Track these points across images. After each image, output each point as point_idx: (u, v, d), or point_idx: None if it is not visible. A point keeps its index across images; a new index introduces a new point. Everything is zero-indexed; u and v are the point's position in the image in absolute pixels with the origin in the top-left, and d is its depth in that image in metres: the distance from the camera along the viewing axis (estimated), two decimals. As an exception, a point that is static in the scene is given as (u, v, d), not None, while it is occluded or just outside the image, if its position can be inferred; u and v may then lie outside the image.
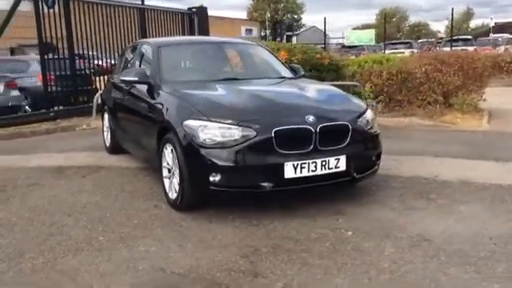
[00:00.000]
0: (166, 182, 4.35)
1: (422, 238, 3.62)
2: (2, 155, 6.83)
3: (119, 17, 11.46)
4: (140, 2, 12.50)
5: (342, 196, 4.53)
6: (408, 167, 5.64)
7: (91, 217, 4.16)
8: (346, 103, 4.51)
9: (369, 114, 4.47)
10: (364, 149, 4.28)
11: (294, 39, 53.54)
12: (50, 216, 4.20)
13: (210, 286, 2.96)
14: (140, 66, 5.48)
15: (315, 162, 3.89)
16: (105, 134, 6.71)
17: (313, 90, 4.65)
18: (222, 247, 3.51)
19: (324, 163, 3.93)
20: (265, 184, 3.83)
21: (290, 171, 3.82)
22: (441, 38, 28.70)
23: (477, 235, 3.66)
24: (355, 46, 22.27)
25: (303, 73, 5.73)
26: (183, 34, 13.79)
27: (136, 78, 4.92)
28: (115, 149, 6.32)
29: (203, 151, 3.83)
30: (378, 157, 4.50)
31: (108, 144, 6.59)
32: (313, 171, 3.90)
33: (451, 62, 10.26)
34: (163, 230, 3.83)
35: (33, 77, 10.73)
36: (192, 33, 13.88)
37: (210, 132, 3.84)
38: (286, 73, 5.43)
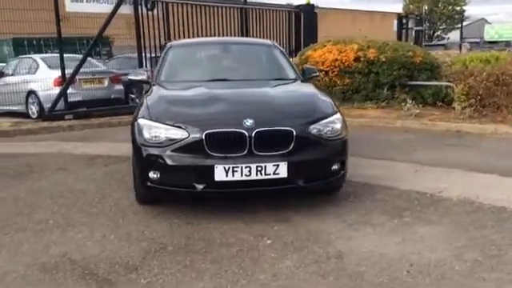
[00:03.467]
0: (139, 176, 4.64)
1: (336, 255, 3.41)
2: (70, 141, 7.81)
3: (218, 17, 12.04)
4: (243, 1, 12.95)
5: (304, 203, 4.39)
6: (419, 179, 5.19)
7: (67, 202, 4.64)
8: (305, 108, 4.29)
9: (333, 120, 4.24)
10: (316, 156, 4.07)
11: (454, 34, 49.84)
12: (37, 198, 4.79)
13: (84, 274, 3.19)
14: (160, 66, 5.76)
15: (249, 167, 3.84)
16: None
17: (283, 93, 4.55)
18: (137, 242, 3.70)
19: (260, 168, 3.86)
20: (198, 185, 3.91)
21: (220, 174, 3.83)
22: None
23: (400, 260, 3.32)
24: (497, 42, 20.13)
25: (315, 74, 5.56)
26: (289, 33, 13.99)
27: (138, 78, 5.31)
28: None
29: (144, 149, 4.04)
30: (342, 165, 4.24)
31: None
32: (247, 176, 3.85)
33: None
34: (106, 221, 4.14)
35: (141, 72, 11.83)
36: (298, 31, 13.99)
37: (152, 131, 4.03)
38: (291, 75, 5.31)
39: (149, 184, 4.05)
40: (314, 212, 4.23)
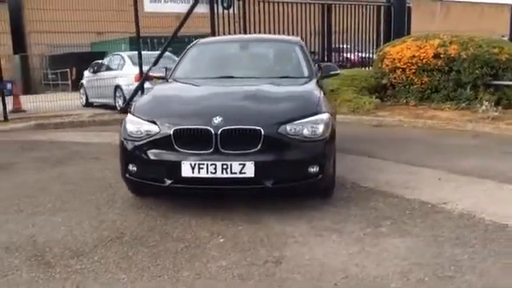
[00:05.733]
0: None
1: (276, 260, 3.30)
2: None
3: (298, 14, 11.96)
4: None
5: (285, 206, 4.28)
6: (435, 189, 4.80)
7: (75, 188, 5.00)
8: (284, 107, 4.13)
9: (315, 120, 4.04)
10: (287, 157, 3.94)
11: None
12: (52, 183, 5.21)
13: (33, 255, 3.43)
14: (177, 63, 5.89)
15: (214, 165, 3.84)
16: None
17: (270, 92, 4.41)
18: (102, 230, 3.89)
19: (225, 167, 3.84)
20: (167, 179, 4.00)
21: (187, 170, 3.88)
22: None
23: (337, 271, 3.12)
24: None
25: (334, 73, 5.37)
26: (377, 29, 13.47)
27: (156, 74, 5.53)
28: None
29: (126, 142, 4.22)
30: (320, 168, 4.02)
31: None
32: (212, 173, 3.86)
33: None
34: (93, 208, 4.38)
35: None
36: (387, 27, 13.39)
37: (134, 126, 4.19)
38: (305, 73, 5.15)
39: (127, 176, 4.23)
40: (289, 215, 4.10)
